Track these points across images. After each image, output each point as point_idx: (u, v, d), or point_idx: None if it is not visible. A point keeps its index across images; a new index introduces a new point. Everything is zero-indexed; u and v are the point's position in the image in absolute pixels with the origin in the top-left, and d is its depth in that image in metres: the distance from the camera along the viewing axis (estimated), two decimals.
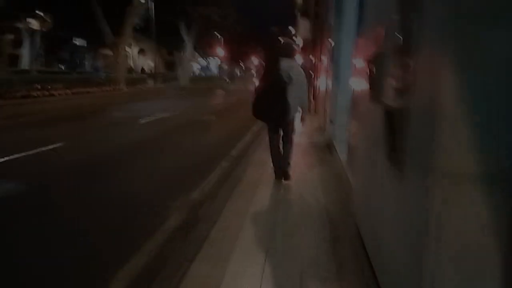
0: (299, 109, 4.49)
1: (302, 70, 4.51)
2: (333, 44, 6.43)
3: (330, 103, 6.63)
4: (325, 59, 8.87)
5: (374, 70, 2.42)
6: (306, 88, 4.48)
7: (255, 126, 9.72)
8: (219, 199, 4.22)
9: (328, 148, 6.72)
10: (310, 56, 14.09)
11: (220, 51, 44.62)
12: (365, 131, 2.90)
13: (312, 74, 14.08)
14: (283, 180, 4.64)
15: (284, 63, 4.23)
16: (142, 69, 44.03)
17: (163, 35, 34.04)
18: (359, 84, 4.16)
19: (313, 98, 14.30)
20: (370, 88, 2.58)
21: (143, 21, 26.48)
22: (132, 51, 44.94)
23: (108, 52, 47.74)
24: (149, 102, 16.51)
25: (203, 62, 55.34)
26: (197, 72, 53.69)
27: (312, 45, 13.99)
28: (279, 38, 4.72)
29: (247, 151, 6.84)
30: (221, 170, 5.64)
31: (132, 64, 42.36)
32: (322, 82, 9.37)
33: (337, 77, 6.24)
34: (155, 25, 27.23)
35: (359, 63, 4.39)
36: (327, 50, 8.15)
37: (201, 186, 4.83)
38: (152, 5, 23.24)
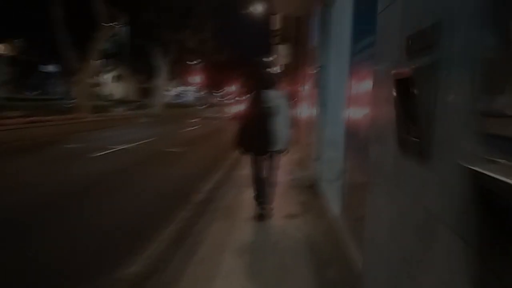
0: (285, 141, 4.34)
1: (286, 100, 4.39)
2: (318, 67, 5.43)
3: (314, 135, 5.55)
4: (306, 85, 7.92)
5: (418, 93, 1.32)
6: (290, 119, 4.40)
7: (227, 161, 8.56)
8: (168, 274, 2.98)
9: (312, 189, 5.59)
10: (290, 83, 13.22)
11: (197, 78, 43.81)
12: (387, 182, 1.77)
13: (293, 101, 13.19)
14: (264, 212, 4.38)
15: (269, 94, 4.16)
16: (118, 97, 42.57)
17: (139, 61, 33.07)
18: (358, 114, 3.25)
19: (293, 127, 13.35)
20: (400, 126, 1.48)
21: (117, 46, 25.46)
22: (107, 77, 43.58)
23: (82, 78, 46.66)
24: (113, 132, 15.11)
25: (179, 89, 54.36)
26: (173, 99, 52.61)
27: (292, 71, 13.16)
28: (263, 68, 5.04)
29: (215, 194, 5.62)
30: (180, 224, 4.38)
31: (109, 91, 40.91)
32: (304, 110, 8.38)
33: (324, 105, 5.20)
34: (130, 50, 26.22)
35: (359, 87, 3.32)
36: (309, 76, 7.20)
37: (148, 253, 3.54)
38: (127, 31, 22.19)
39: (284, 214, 4.54)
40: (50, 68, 39.66)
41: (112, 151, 9.84)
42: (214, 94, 75.70)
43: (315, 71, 6.13)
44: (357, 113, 3.32)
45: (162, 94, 28.52)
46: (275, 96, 4.22)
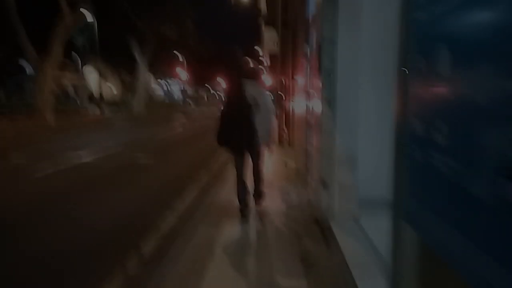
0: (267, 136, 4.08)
1: (268, 93, 4.27)
2: (319, 43, 3.57)
3: (318, 148, 3.70)
4: (300, 75, 6.09)
5: None
6: (273, 113, 4.21)
7: (205, 175, 6.71)
8: None
9: (317, 226, 3.78)
10: (280, 73, 11.36)
11: (183, 73, 41.61)
12: None
13: (283, 96, 11.36)
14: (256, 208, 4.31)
15: (250, 87, 3.95)
16: (101, 96, 40.29)
17: (119, 56, 30.84)
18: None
19: (286, 125, 11.52)
20: None
21: (90, 39, 23.28)
22: (90, 75, 41.16)
23: (63, 78, 44.11)
24: (77, 139, 13.09)
25: (164, 85, 52.09)
26: (159, 96, 50.37)
27: (281, 61, 11.28)
28: (243, 59, 4.40)
29: (173, 242, 3.76)
30: None
31: (92, 90, 38.52)
32: (299, 105, 6.55)
33: (332, 101, 3.37)
34: (108, 44, 24.05)
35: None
36: (302, 61, 5.36)
37: None
38: (95, 22, 20.01)
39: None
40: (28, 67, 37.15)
41: (66, 168, 7.92)
42: (203, 89, 73.56)
43: (312, 50, 4.30)
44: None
45: (142, 92, 26.43)
46: (255, 88, 3.96)
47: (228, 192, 5.29)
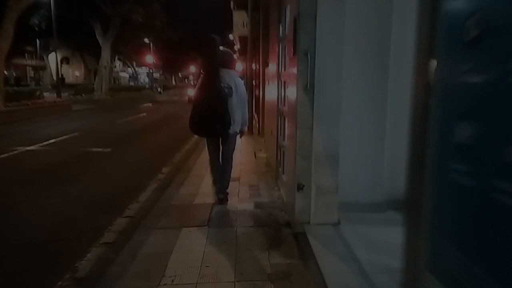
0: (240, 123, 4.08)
1: (242, 81, 4.20)
2: (297, 23, 2.99)
3: (293, 142, 3.16)
4: (272, 60, 5.53)
5: None
6: (246, 100, 4.27)
7: (166, 166, 6.06)
8: None
9: (290, 233, 3.27)
10: (251, 59, 10.74)
11: (150, 58, 39.87)
12: None
13: (254, 82, 10.77)
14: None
15: (224, 74, 3.93)
16: (62, 80, 38.00)
17: (82, 40, 29.01)
18: None
19: (255, 112, 10.97)
20: None
21: (47, 21, 21.58)
22: (52, 59, 38.72)
23: (22, 61, 41.23)
24: (29, 126, 11.87)
25: (132, 70, 49.96)
26: (126, 82, 48.39)
27: (251, 46, 10.65)
28: (218, 46, 4.03)
29: (131, 237, 3.13)
30: None
31: (52, 75, 36.22)
32: (270, 92, 6.00)
33: (310, 87, 2.82)
34: (65, 25, 22.39)
35: None
36: (278, 45, 4.80)
37: None
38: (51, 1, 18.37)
39: None
40: None
41: (6, 156, 7.02)
42: (173, 76, 71.57)
43: (286, 29, 3.75)
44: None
45: (106, 76, 24.93)
46: (229, 76, 3.98)
47: (190, 188, 4.69)
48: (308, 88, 2.80)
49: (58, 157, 7.13)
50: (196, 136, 9.21)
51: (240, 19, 11.39)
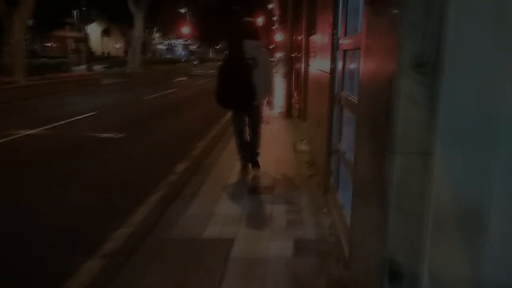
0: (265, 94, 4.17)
1: (266, 52, 4.38)
2: None
3: (379, 179, 1.63)
4: (325, 24, 3.93)
5: None
6: (271, 71, 4.33)
7: (183, 161, 4.71)
8: None
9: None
10: (290, 30, 9.04)
11: (186, 29, 38.42)
12: None
13: (295, 55, 9.12)
14: (251, 170, 4.31)
15: (248, 45, 3.90)
16: (91, 53, 37.77)
17: (116, 10, 28.00)
18: None
19: (296, 90, 9.36)
20: None
21: None
22: (93, 31, 38.46)
23: (63, 33, 41.26)
24: (48, 101, 10.88)
25: (168, 44, 48.85)
26: (163, 54, 47.47)
27: (293, 10, 8.94)
28: (240, 18, 4.23)
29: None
30: None
31: (93, 48, 35.94)
32: (319, 66, 4.41)
33: (431, 68, 1.23)
34: None
35: None
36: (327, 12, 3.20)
37: None
38: None
39: None
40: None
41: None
42: (210, 48, 70.12)
43: None
44: None
45: (139, 48, 23.82)
46: (253, 47, 3.92)
47: (205, 203, 3.32)
48: (426, 65, 1.25)
49: (54, 146, 5.98)
50: (224, 119, 7.94)
51: None
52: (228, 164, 4.67)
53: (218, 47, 71.57)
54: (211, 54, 66.15)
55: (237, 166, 4.54)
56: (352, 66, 2.74)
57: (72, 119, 8.01)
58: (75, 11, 33.01)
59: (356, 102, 2.15)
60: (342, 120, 2.97)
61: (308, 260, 2.49)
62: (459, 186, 1.24)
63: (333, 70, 3.19)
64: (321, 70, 3.98)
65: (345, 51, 2.83)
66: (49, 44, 41.41)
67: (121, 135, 6.57)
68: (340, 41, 2.96)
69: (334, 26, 3.12)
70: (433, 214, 1.31)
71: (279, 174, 4.34)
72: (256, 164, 4.30)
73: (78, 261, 2.57)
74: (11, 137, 6.31)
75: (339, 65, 3.01)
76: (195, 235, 2.85)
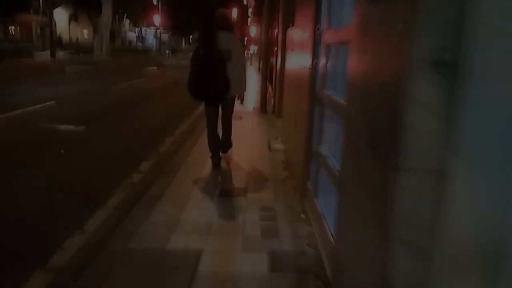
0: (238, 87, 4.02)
1: (240, 44, 4.39)
2: None
3: (380, 206, 1.39)
4: (305, 15, 3.68)
5: None
6: (245, 64, 4.28)
7: (147, 160, 4.33)
8: None
9: None
10: (265, 22, 8.76)
11: (158, 18, 37.21)
12: None
13: (270, 49, 8.87)
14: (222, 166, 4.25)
15: (222, 37, 3.82)
16: (59, 38, 35.85)
17: None
18: None
19: (270, 84, 9.12)
20: None
21: None
22: (59, 16, 36.44)
23: (27, 17, 38.77)
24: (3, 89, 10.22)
25: (138, 32, 47.16)
26: (132, 43, 45.75)
27: (269, 4, 8.66)
28: (214, 8, 4.22)
29: None
30: None
31: (59, 33, 34.01)
32: (297, 61, 4.17)
33: (473, 65, 0.98)
34: None
35: None
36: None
37: None
38: None
39: None
40: None
41: None
42: (182, 38, 68.64)
43: None
44: None
45: (107, 35, 22.75)
46: (227, 38, 3.84)
47: (170, 208, 2.98)
48: (446, 64, 1.00)
49: (4, 139, 5.43)
50: (195, 114, 7.57)
51: None
52: (198, 163, 4.35)
53: (190, 37, 70.18)
54: (183, 45, 64.74)
55: (207, 165, 4.23)
56: (336, 62, 2.49)
57: (29, 108, 7.38)
58: None
59: (344, 103, 1.90)
60: (323, 121, 2.73)
61: (285, 277, 2.24)
62: (481, 217, 1.01)
63: (314, 66, 2.94)
64: (299, 66, 3.72)
65: (328, 46, 2.58)
66: (13, 28, 39.10)
67: (82, 128, 6.07)
68: (323, 35, 2.71)
69: (317, 18, 2.86)
70: (446, 250, 1.07)
71: (252, 174, 4.07)
72: (227, 161, 4.30)
73: (21, 276, 2.20)
74: None
75: (321, 61, 2.75)
76: (158, 244, 2.53)
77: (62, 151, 4.89)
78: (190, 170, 4.13)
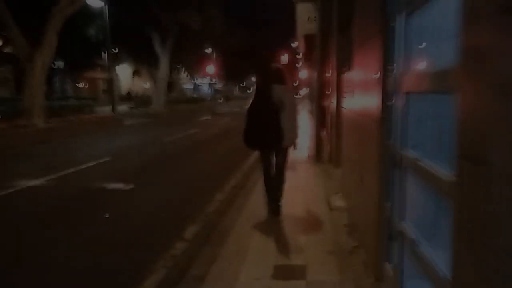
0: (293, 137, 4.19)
1: (293, 95, 4.44)
2: None
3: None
4: (366, 57, 3.15)
5: None
6: (297, 114, 4.33)
7: (184, 238, 3.87)
8: None
9: None
10: (317, 65, 8.35)
11: (211, 68, 38.86)
12: None
13: (323, 92, 8.37)
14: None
15: (276, 89, 4.06)
16: (128, 93, 38.57)
17: (141, 51, 28.52)
18: None
19: (323, 129, 8.51)
20: None
21: (102, 30, 20.96)
22: (124, 72, 39.62)
23: (94, 74, 42.56)
24: (63, 145, 10.45)
25: (194, 81, 49.57)
26: (188, 92, 47.99)
27: (321, 46, 8.28)
28: (269, 62, 4.67)
29: None
30: None
31: (124, 88, 36.81)
32: (359, 103, 3.60)
33: None
34: (122, 36, 21.71)
35: None
36: (378, 37, 2.41)
37: None
38: (105, 8, 17.55)
39: None
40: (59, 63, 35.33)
41: None
42: (236, 85, 71.05)
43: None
44: None
45: (163, 88, 23.85)
46: (281, 91, 4.07)
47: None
48: None
49: (54, 201, 5.23)
50: (246, 166, 7.14)
51: (305, 13, 9.08)
52: (248, 228, 3.81)
53: (243, 85, 72.38)
54: (236, 92, 66.79)
55: (258, 230, 3.67)
56: (424, 116, 1.89)
57: (82, 167, 7.39)
58: (104, 53, 34.03)
59: (452, 179, 1.28)
60: (406, 190, 2.08)
61: None
62: None
63: (385, 117, 2.35)
64: (362, 112, 3.14)
65: (408, 93, 1.99)
66: (81, 85, 42.76)
67: (131, 186, 5.84)
68: (399, 79, 2.13)
69: (387, 59, 2.31)
70: None
71: (312, 243, 3.43)
72: (277, 212, 4.21)
73: None
74: (10, 190, 5.69)
75: (397, 111, 2.16)
76: None
77: (107, 215, 4.61)
78: (240, 237, 3.58)
